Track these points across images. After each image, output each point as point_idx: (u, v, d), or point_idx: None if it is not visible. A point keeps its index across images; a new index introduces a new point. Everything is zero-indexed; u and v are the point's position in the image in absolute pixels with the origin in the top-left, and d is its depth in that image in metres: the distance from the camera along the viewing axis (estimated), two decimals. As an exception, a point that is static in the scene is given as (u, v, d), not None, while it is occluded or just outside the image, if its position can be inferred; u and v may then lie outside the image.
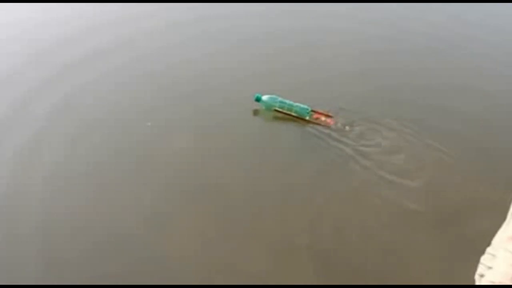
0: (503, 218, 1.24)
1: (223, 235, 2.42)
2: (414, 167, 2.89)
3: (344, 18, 4.44)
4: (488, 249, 1.19)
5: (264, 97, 3.26)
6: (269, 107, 3.27)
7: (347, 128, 3.16)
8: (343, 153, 2.98)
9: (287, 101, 3.26)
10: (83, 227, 2.41)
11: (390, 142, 3.07)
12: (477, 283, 1.18)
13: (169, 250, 2.31)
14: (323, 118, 3.25)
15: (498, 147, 3.13)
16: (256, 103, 3.31)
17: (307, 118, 3.23)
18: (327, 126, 3.19)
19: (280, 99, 3.27)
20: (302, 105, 3.26)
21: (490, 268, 1.14)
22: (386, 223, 2.55)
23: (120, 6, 4.40)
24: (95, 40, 3.86)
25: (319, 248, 2.38)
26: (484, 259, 1.19)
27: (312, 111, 3.26)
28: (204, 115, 3.21)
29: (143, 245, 2.31)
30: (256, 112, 3.32)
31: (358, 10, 4.68)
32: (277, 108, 3.25)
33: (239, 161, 2.91)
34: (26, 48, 3.75)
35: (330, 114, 3.26)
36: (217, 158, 2.89)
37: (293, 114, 3.24)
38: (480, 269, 1.18)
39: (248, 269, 2.25)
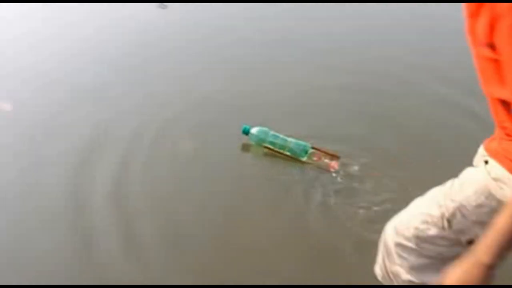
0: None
1: None
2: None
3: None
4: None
5: (254, 130, 2.61)
6: (259, 143, 2.63)
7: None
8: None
9: (280, 136, 2.64)
10: None
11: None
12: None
13: None
14: (326, 160, 2.65)
15: None
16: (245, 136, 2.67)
17: (304, 159, 2.61)
18: (327, 169, 2.59)
19: (271, 132, 2.64)
20: (299, 142, 2.65)
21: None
22: None
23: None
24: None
25: None
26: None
27: (314, 148, 2.66)
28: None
29: None
30: (246, 148, 2.67)
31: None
32: (266, 145, 2.61)
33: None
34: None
35: (336, 154, 2.67)
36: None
37: (286, 153, 2.61)
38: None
39: None
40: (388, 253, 1.34)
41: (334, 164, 2.60)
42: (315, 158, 2.64)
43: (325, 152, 2.66)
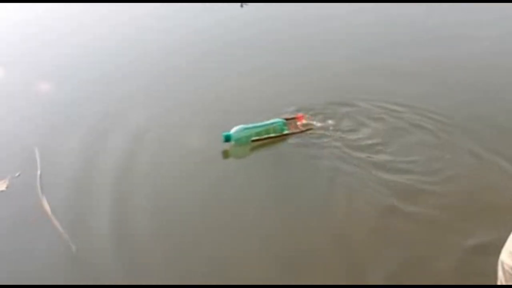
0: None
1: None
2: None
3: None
4: None
5: (233, 132, 2.56)
6: (243, 141, 2.59)
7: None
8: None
9: (259, 124, 2.65)
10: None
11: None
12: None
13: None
14: (298, 123, 2.78)
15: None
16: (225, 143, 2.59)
17: (287, 131, 2.70)
18: (308, 128, 2.74)
19: (250, 125, 2.63)
20: (275, 120, 2.71)
21: None
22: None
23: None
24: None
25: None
26: None
27: (286, 119, 2.76)
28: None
29: None
30: (226, 154, 2.58)
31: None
32: (253, 138, 2.60)
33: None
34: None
35: (299, 115, 2.82)
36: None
37: (272, 135, 2.65)
38: None
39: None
40: (508, 280, 1.27)
41: (300, 117, 2.81)
42: (291, 127, 2.74)
43: (294, 118, 2.79)
